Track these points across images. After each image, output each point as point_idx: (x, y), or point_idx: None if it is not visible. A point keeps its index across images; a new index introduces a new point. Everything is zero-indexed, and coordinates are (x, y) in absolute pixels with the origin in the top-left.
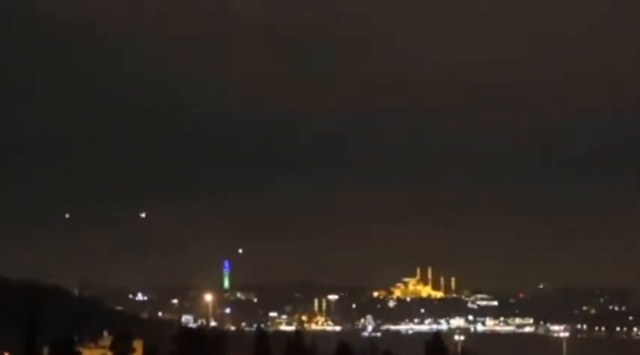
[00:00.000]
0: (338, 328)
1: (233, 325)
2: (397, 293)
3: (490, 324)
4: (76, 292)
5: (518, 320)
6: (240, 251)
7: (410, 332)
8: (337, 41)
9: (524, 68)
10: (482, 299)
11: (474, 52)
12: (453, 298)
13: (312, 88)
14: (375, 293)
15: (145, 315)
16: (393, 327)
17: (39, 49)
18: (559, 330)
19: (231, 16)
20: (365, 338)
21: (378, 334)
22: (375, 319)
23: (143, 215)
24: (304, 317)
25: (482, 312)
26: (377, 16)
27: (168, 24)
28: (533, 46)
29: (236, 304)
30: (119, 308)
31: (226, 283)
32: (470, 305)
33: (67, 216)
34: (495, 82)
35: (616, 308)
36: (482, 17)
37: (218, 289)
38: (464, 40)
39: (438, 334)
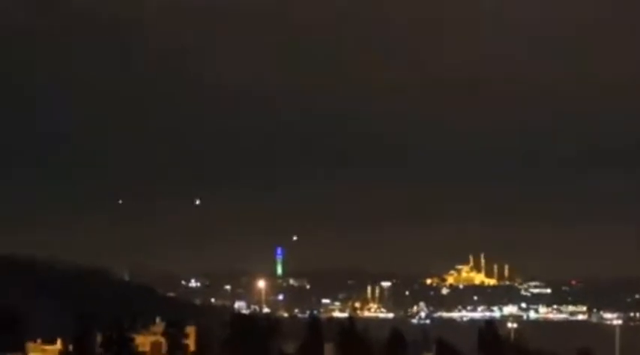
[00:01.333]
0: (391, 315)
1: (286, 312)
2: (450, 280)
3: (543, 312)
4: (129, 278)
5: (571, 308)
6: (295, 238)
7: (464, 319)
8: None
9: None
10: (536, 286)
11: None
12: (506, 285)
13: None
14: (428, 281)
15: (197, 302)
16: (445, 314)
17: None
18: (612, 318)
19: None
20: (414, 325)
21: (427, 321)
22: (427, 306)
23: (197, 202)
24: (357, 304)
25: (535, 300)
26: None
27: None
28: None
29: (289, 291)
30: (172, 294)
31: (279, 270)
32: (523, 292)
33: (120, 201)
34: None
35: None
36: None
37: (271, 275)
38: None
39: (491, 321)
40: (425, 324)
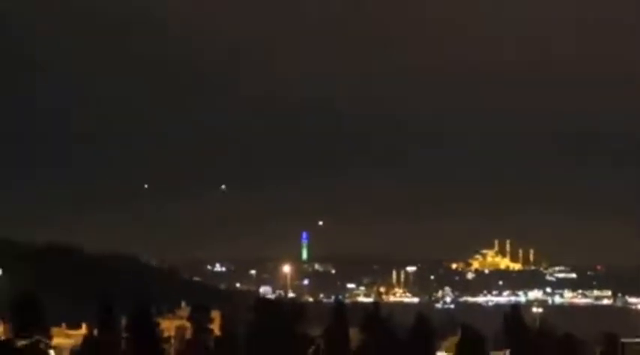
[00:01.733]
0: (416, 300)
1: (311, 296)
2: (475, 265)
3: (568, 296)
4: (154, 262)
5: (596, 293)
6: (321, 223)
7: (490, 303)
8: None
9: None
10: (561, 271)
11: None
12: (531, 270)
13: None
14: (454, 265)
15: (223, 286)
16: (471, 299)
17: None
18: (637, 303)
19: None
20: (439, 310)
21: (452, 306)
22: (453, 291)
23: (223, 187)
24: (382, 289)
25: (561, 284)
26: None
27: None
28: None
29: (314, 275)
30: (197, 279)
31: (304, 254)
32: (548, 277)
33: (146, 186)
34: None
35: None
36: None
37: (296, 260)
38: None
39: (516, 306)
40: (449, 309)
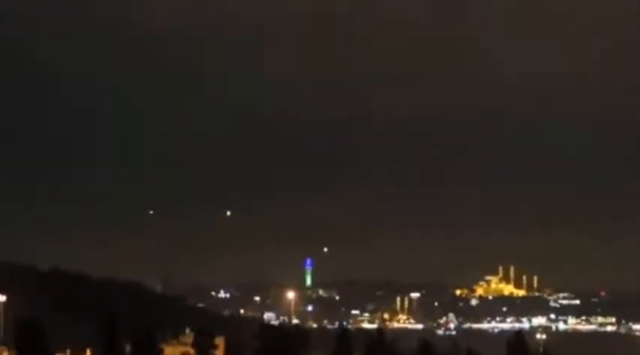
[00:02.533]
0: (420, 326)
1: (315, 323)
2: (479, 291)
3: (572, 323)
4: (159, 289)
5: (600, 319)
6: (326, 249)
7: (496, 330)
8: None
9: None
10: (565, 298)
11: None
12: (535, 297)
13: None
14: (458, 292)
15: (227, 312)
16: (475, 325)
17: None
18: None
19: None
20: (440, 336)
21: (454, 332)
22: (457, 317)
23: (228, 213)
24: (386, 315)
25: (564, 311)
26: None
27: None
28: None
29: (318, 302)
30: (201, 305)
31: (308, 281)
32: (552, 303)
33: (151, 212)
34: None
35: None
36: None
37: (300, 287)
38: None
39: (520, 332)
40: (450, 335)
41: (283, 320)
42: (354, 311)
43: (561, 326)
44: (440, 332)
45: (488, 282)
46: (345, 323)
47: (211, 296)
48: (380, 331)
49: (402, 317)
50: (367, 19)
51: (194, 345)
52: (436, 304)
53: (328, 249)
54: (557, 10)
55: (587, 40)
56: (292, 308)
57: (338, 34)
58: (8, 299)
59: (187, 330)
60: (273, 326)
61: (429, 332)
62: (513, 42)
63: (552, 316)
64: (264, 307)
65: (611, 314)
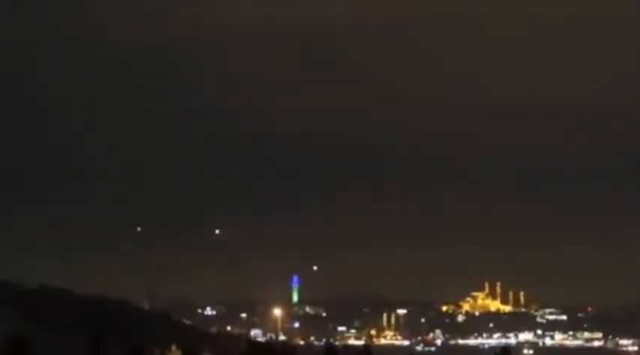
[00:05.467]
0: (407, 342)
1: (302, 339)
2: (466, 307)
3: (559, 338)
4: (146, 306)
5: (587, 335)
6: (315, 268)
7: (486, 346)
8: None
9: None
10: (551, 313)
11: None
12: (521, 312)
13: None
14: (444, 308)
15: (214, 329)
16: (462, 341)
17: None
18: (628, 345)
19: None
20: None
21: (432, 348)
22: (443, 333)
23: (217, 231)
24: (373, 332)
25: (551, 326)
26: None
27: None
28: None
29: (305, 318)
30: (188, 322)
31: (295, 297)
32: (539, 319)
33: (139, 229)
34: None
35: None
36: None
37: (287, 304)
38: None
39: (506, 348)
40: (430, 351)
41: (270, 336)
42: (340, 328)
43: (548, 341)
44: (419, 348)
45: (474, 298)
46: (331, 339)
47: (198, 313)
48: (367, 347)
49: (389, 333)
50: None
51: None
52: (423, 320)
53: (316, 267)
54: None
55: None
56: (279, 325)
57: None
58: None
59: (174, 347)
60: (260, 343)
61: (407, 349)
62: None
63: (539, 332)
64: (250, 324)
65: (598, 330)
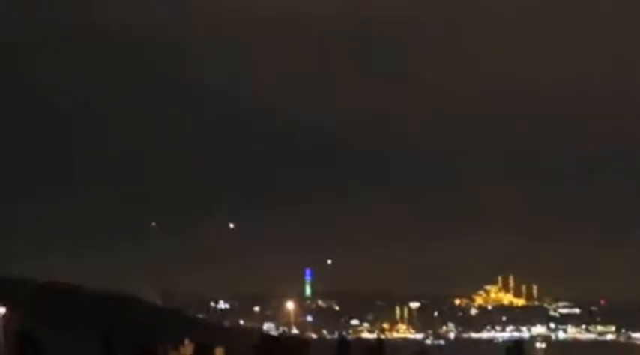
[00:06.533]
0: (419, 336)
1: (314, 333)
2: (479, 300)
3: (572, 332)
4: (159, 302)
5: (599, 328)
6: (329, 261)
7: (500, 340)
8: None
9: None
10: (564, 306)
11: None
12: (534, 306)
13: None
14: (457, 301)
15: (226, 323)
16: (474, 335)
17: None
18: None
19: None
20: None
21: (442, 341)
22: (456, 327)
23: (231, 226)
24: (385, 325)
25: (564, 320)
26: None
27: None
28: None
29: (317, 312)
30: (201, 316)
31: (308, 291)
32: (552, 312)
33: (154, 224)
34: None
35: None
36: None
37: (300, 297)
38: None
39: (519, 341)
40: (439, 344)
41: (283, 330)
42: (353, 321)
43: (561, 334)
44: (428, 341)
45: (487, 292)
46: (344, 333)
47: (211, 306)
48: (379, 340)
49: (402, 326)
50: None
51: None
52: (436, 314)
53: (325, 259)
54: None
55: None
56: (292, 318)
57: None
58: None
59: (187, 341)
60: (272, 337)
61: (415, 341)
62: None
63: (552, 325)
64: (263, 317)
65: (610, 323)
